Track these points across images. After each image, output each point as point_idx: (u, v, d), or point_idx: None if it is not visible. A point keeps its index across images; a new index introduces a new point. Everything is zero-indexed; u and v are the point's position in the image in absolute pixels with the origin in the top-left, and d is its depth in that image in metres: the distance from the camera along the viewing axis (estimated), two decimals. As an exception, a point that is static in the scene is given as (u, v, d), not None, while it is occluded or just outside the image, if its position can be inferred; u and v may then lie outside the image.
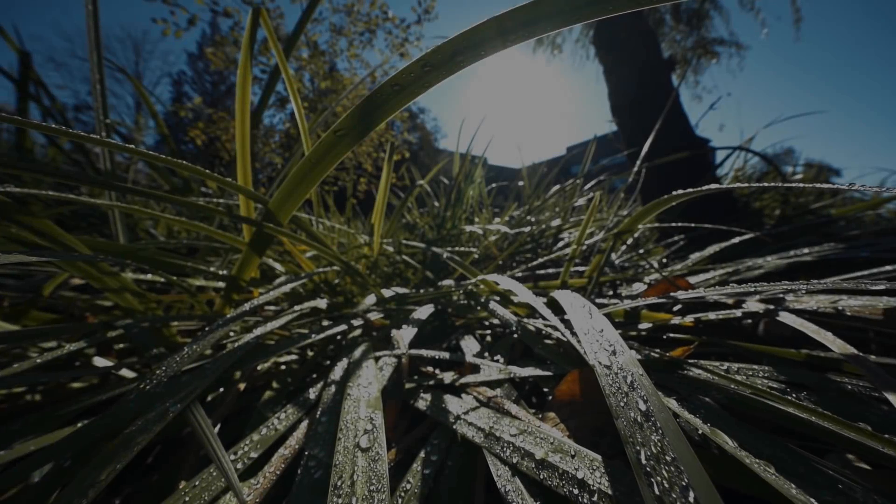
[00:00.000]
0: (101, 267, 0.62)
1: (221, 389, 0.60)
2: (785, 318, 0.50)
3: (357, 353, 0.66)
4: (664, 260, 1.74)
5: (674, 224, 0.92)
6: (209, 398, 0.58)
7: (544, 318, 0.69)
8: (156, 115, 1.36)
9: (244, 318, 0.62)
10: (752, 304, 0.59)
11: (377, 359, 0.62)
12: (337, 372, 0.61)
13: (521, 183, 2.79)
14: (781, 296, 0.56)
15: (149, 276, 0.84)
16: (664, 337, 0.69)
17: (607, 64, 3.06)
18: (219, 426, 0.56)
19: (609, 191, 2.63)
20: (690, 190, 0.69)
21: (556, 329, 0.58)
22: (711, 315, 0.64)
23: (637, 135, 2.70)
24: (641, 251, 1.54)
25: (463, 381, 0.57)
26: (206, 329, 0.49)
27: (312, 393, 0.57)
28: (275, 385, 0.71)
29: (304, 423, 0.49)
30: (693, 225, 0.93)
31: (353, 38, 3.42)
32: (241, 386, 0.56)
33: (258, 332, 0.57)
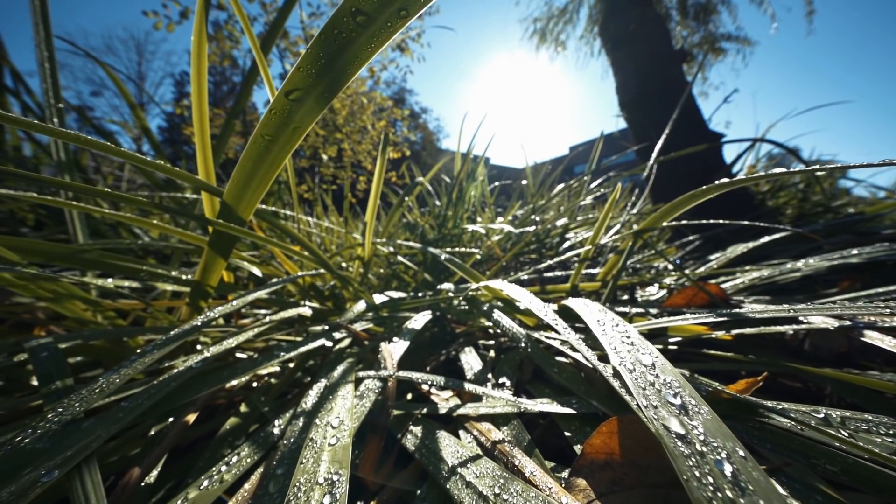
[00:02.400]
0: (33, 271, 0.52)
1: (171, 420, 0.49)
2: (879, 341, 0.40)
3: (336, 373, 0.56)
4: (678, 261, 1.63)
5: (702, 221, 0.82)
6: (153, 431, 0.47)
7: (558, 333, 0.59)
8: (134, 106, 1.27)
9: (198, 331, 0.52)
10: (815, 318, 0.48)
11: (358, 382, 0.52)
12: (310, 398, 0.51)
13: (524, 182, 2.68)
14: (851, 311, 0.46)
15: (110, 283, 0.74)
16: (701, 352, 0.58)
17: (615, 57, 2.94)
18: (162, 462, 0.46)
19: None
20: (727, 181, 0.59)
21: (575, 350, 0.47)
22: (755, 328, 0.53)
23: (647, 130, 2.59)
24: (652, 252, 1.43)
25: (462, 411, 0.47)
26: (138, 351, 0.39)
27: (278, 426, 0.47)
28: (243, 409, 0.61)
29: (259, 472, 0.39)
30: (725, 222, 0.82)
31: (351, 33, 3.32)
32: (191, 418, 0.46)
33: (212, 351, 0.47)
